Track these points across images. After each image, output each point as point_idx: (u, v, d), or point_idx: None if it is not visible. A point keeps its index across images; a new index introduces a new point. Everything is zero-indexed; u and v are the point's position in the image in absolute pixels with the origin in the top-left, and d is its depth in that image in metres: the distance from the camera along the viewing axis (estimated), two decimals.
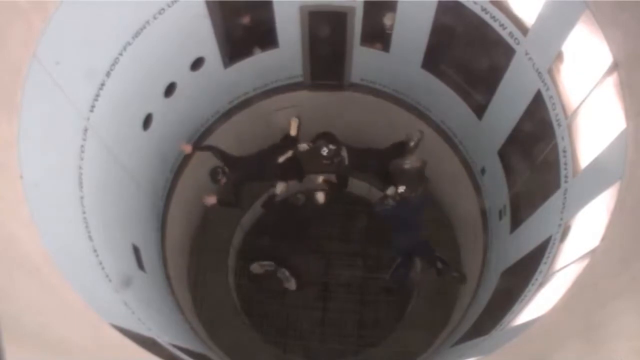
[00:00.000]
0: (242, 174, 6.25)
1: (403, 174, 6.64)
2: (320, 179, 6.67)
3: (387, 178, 6.68)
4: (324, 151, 6.36)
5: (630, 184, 3.39)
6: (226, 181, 6.12)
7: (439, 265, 7.00)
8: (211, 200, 6.43)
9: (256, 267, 6.29)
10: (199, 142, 6.63)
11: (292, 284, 6.35)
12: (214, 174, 6.07)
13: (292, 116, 6.98)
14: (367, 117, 7.22)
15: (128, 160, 5.37)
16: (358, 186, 8.21)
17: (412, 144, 6.95)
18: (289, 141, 6.50)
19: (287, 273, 6.26)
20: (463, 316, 6.59)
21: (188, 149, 5.89)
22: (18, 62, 3.27)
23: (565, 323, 3.33)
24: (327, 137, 6.58)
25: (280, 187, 6.38)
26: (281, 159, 6.36)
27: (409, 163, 6.71)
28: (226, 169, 6.11)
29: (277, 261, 6.23)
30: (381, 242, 7.95)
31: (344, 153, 6.55)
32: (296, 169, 6.62)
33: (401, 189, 6.16)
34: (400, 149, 7.00)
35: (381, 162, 6.79)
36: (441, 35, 5.87)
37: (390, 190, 6.48)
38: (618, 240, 3.34)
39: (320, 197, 6.47)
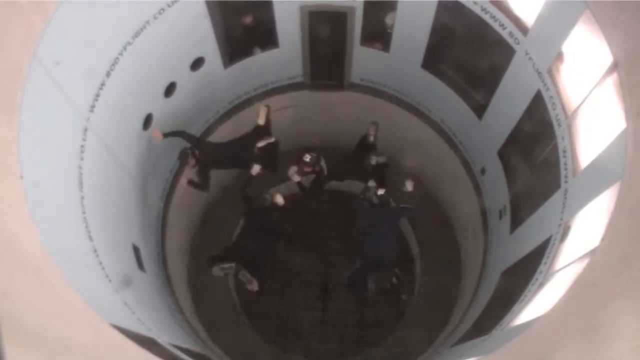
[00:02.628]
0: (212, 158, 6.28)
1: (374, 171, 6.80)
2: (295, 175, 6.64)
3: (369, 179, 6.81)
4: (306, 157, 6.41)
5: (630, 184, 3.39)
6: (195, 163, 6.15)
7: (394, 280, 7.00)
8: (184, 181, 6.51)
9: (217, 271, 6.23)
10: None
11: (254, 286, 6.30)
12: (183, 155, 6.08)
13: (291, 115, 6.98)
14: (367, 117, 7.22)
15: (128, 160, 5.37)
16: (358, 186, 8.21)
17: (370, 138, 7.02)
18: (258, 130, 6.47)
19: (248, 275, 6.18)
20: (463, 316, 6.59)
21: (158, 135, 5.84)
22: (18, 62, 3.27)
23: (565, 323, 3.33)
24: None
25: (255, 169, 6.39)
26: (262, 144, 6.35)
27: (374, 159, 6.87)
28: (197, 152, 6.11)
29: (240, 263, 6.18)
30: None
31: (323, 163, 6.62)
32: (273, 157, 6.59)
33: (380, 191, 6.17)
34: (365, 146, 7.06)
35: (354, 164, 6.93)
36: (441, 35, 5.87)
37: (371, 183, 6.56)
38: (618, 240, 3.35)
39: (279, 199, 6.47)
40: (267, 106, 6.55)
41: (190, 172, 6.53)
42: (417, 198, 8.09)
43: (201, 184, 6.42)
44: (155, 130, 5.76)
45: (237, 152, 6.45)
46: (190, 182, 6.45)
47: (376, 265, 6.55)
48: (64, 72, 3.78)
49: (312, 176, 6.84)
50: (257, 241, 6.36)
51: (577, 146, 4.41)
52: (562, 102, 4.56)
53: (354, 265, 6.98)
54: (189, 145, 6.17)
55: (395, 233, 6.54)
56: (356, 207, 6.51)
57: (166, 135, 5.86)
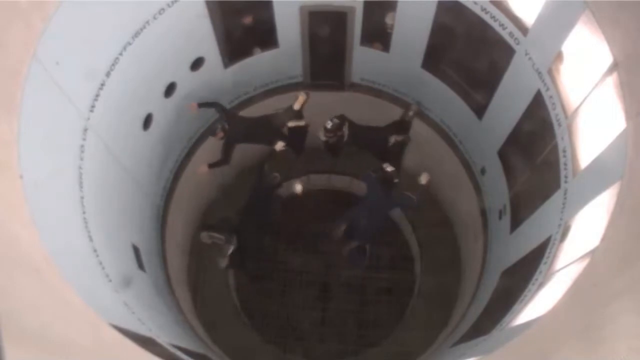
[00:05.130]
0: (240, 131, 6.40)
1: (392, 150, 6.73)
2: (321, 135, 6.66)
3: (385, 158, 6.69)
4: (328, 124, 6.42)
5: (630, 184, 3.39)
6: (223, 136, 6.27)
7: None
8: (202, 168, 6.60)
9: (205, 237, 6.27)
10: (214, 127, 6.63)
11: (223, 261, 6.35)
12: (213, 127, 6.25)
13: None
14: (367, 117, 7.21)
15: (128, 160, 5.37)
16: (358, 186, 8.21)
17: (410, 113, 6.90)
18: (291, 114, 6.54)
19: (229, 251, 6.24)
20: (463, 316, 6.58)
21: (194, 107, 6.08)
22: (18, 62, 3.27)
23: (565, 323, 3.33)
24: (341, 118, 6.64)
25: (279, 145, 6.48)
26: (292, 124, 6.47)
27: (393, 138, 6.76)
28: (226, 125, 6.23)
29: (236, 239, 6.27)
30: (381, 242, 7.94)
31: (346, 129, 6.61)
32: (300, 140, 6.70)
33: (389, 167, 6.16)
34: (399, 124, 6.97)
35: (380, 138, 6.79)
36: (441, 35, 5.87)
37: (386, 165, 6.42)
38: (618, 240, 3.34)
39: (298, 187, 6.55)
40: (307, 94, 6.58)
41: (198, 164, 6.64)
42: (417, 198, 8.13)
43: (222, 160, 6.51)
44: (192, 105, 6.02)
45: (266, 129, 6.54)
46: (211, 165, 6.55)
47: (354, 235, 6.52)
48: (64, 72, 3.78)
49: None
50: (251, 222, 6.41)
51: (577, 146, 4.41)
52: (562, 102, 4.56)
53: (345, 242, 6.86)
54: (219, 120, 6.30)
55: (383, 219, 6.54)
56: (363, 178, 6.49)
57: (201, 105, 6.07)
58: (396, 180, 6.20)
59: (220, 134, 6.28)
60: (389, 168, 6.16)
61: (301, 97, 6.53)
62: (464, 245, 7.80)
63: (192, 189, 7.12)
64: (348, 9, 6.01)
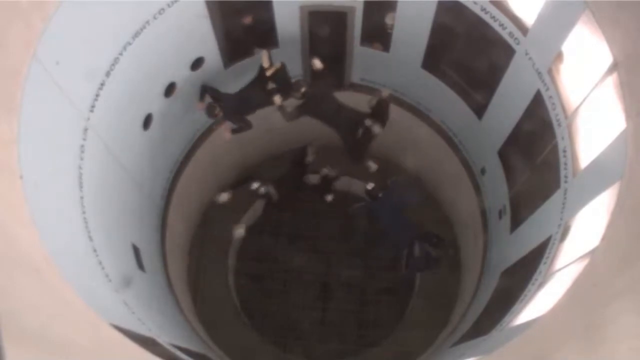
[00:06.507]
0: (234, 105, 6.53)
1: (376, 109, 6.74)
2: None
3: (351, 142, 6.85)
4: (369, 186, 6.47)
5: (630, 184, 3.39)
6: (223, 114, 6.45)
7: (435, 240, 7.01)
8: (227, 135, 6.76)
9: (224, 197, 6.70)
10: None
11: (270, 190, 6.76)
12: (210, 108, 6.36)
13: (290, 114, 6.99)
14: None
15: (128, 160, 5.37)
16: (359, 186, 8.22)
17: (383, 95, 6.88)
18: (263, 71, 6.60)
19: (264, 189, 6.71)
20: (463, 316, 6.59)
21: (201, 105, 6.33)
22: (18, 62, 3.27)
23: (565, 323, 3.33)
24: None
25: (277, 100, 6.58)
26: (269, 72, 6.52)
27: (369, 122, 6.71)
28: (220, 104, 6.38)
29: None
30: (381, 242, 7.96)
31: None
32: (286, 81, 6.74)
33: (369, 186, 6.34)
34: (375, 111, 6.91)
35: (353, 120, 6.77)
36: (441, 35, 5.87)
37: (370, 123, 6.62)
38: (618, 240, 3.35)
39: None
40: (267, 50, 6.53)
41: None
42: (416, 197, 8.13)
43: (241, 126, 6.65)
44: (198, 105, 6.31)
45: (254, 93, 6.61)
46: (233, 131, 6.69)
47: (413, 242, 6.63)
48: (64, 72, 3.78)
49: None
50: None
51: (577, 146, 4.41)
52: (562, 102, 4.56)
53: (399, 259, 7.01)
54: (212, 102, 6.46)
55: (400, 214, 6.56)
56: (356, 213, 6.73)
57: (201, 98, 6.31)
58: (379, 194, 6.35)
59: (220, 113, 6.40)
60: (369, 186, 6.36)
61: (264, 54, 6.49)
62: (464, 245, 7.81)
63: (192, 189, 7.12)
64: (348, 9, 6.01)
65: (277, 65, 6.51)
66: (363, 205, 6.58)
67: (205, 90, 6.40)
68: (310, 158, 7.18)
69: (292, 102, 6.73)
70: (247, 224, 7.15)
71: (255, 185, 6.75)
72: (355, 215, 6.75)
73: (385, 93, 6.84)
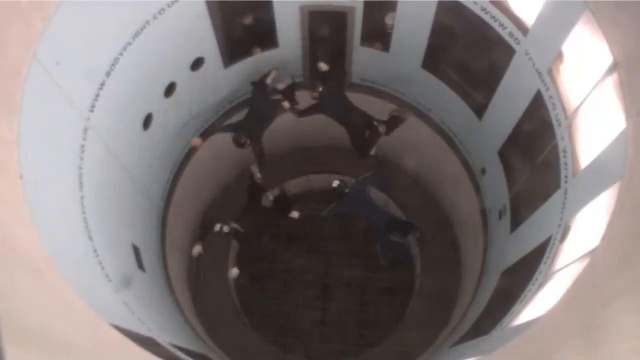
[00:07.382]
0: (251, 128, 6.71)
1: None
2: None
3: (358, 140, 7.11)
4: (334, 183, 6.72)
5: (630, 184, 3.39)
6: (250, 140, 6.62)
7: (412, 231, 7.21)
8: (253, 168, 7.02)
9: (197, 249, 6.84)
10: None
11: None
12: (237, 139, 6.55)
13: (291, 116, 6.99)
14: None
15: (128, 160, 5.37)
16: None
17: (404, 116, 7.12)
18: (262, 85, 6.74)
19: (226, 228, 6.76)
20: (463, 316, 6.58)
21: (197, 142, 6.53)
22: (18, 62, 3.27)
23: (565, 323, 3.33)
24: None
25: (286, 105, 6.81)
26: (282, 86, 6.81)
27: (376, 124, 6.93)
28: (241, 135, 6.56)
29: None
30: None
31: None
32: (292, 91, 6.98)
33: (334, 183, 6.58)
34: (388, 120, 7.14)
35: (362, 122, 6.98)
36: (441, 35, 5.87)
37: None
38: (618, 240, 3.34)
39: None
40: (277, 69, 6.73)
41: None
42: (417, 197, 8.14)
43: (260, 160, 6.97)
44: (194, 139, 6.53)
45: (263, 106, 6.76)
46: (259, 164, 6.98)
47: (388, 232, 6.91)
48: (64, 72, 3.78)
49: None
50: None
51: (577, 146, 4.41)
52: (562, 102, 4.56)
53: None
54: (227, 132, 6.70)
55: (369, 200, 6.84)
56: (330, 215, 6.89)
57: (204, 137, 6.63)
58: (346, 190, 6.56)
59: (247, 142, 6.59)
60: (334, 183, 6.61)
61: (273, 72, 6.67)
62: (464, 245, 7.80)
63: (192, 189, 7.12)
64: (348, 9, 6.01)
65: (290, 81, 6.78)
66: (334, 206, 6.71)
67: (221, 130, 6.68)
68: (258, 176, 7.13)
69: (308, 101, 6.90)
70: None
71: (217, 226, 6.77)
72: (329, 217, 6.86)
73: (407, 115, 7.10)
